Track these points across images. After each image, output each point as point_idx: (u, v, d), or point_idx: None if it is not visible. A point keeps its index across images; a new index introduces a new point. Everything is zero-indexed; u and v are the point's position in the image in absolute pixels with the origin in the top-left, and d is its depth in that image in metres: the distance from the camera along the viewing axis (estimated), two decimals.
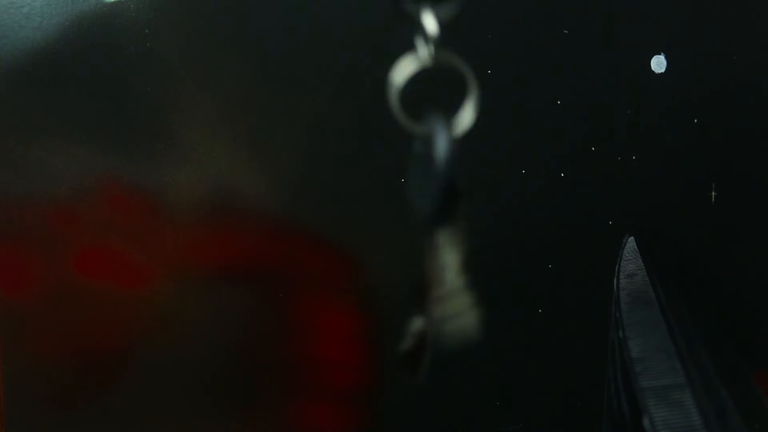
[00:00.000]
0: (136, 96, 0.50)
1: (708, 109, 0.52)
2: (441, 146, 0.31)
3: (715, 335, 0.44)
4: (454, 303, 0.34)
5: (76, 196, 0.50)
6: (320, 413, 0.54)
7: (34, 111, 0.50)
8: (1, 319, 0.51)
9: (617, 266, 0.51)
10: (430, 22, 0.32)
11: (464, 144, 0.53)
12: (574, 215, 0.52)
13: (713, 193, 0.52)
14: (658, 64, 0.51)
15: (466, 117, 0.33)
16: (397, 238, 0.48)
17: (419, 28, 0.32)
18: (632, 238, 0.52)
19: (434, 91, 0.33)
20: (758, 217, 0.53)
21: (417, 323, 0.34)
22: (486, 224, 0.53)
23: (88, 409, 0.52)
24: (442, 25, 0.32)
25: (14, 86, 0.49)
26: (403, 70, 0.33)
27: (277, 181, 0.52)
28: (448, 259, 0.34)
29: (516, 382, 0.54)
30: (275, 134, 0.51)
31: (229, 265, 0.52)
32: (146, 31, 0.50)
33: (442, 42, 0.32)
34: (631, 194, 0.52)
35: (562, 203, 0.52)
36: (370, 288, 0.53)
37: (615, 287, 0.50)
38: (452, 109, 0.33)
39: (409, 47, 0.34)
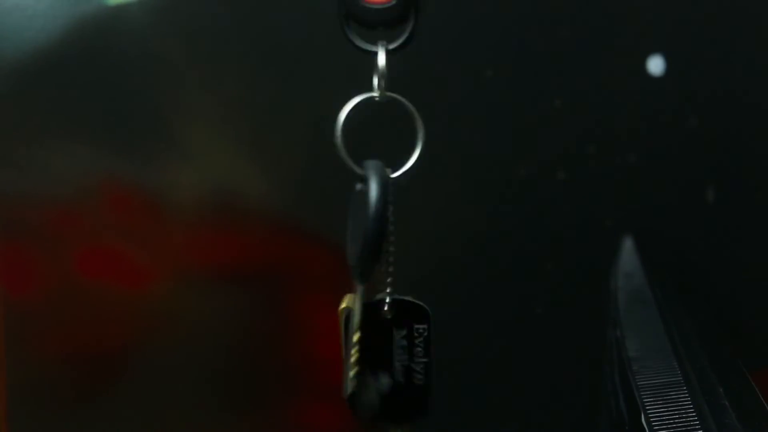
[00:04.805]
0: (139, 98, 0.51)
1: (708, 109, 0.52)
2: (373, 191, 0.31)
3: (712, 334, 0.44)
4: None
5: (79, 196, 0.51)
6: (320, 413, 0.54)
7: (38, 112, 0.50)
8: (6, 318, 0.51)
9: (615, 266, 0.51)
10: (380, 57, 0.33)
11: (464, 144, 0.53)
12: (572, 215, 0.53)
13: (712, 194, 0.52)
14: (656, 65, 0.51)
15: (411, 160, 0.34)
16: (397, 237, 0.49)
17: (372, 61, 0.33)
18: (630, 238, 0.52)
19: (386, 131, 0.34)
20: (757, 217, 0.53)
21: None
22: (484, 224, 0.53)
23: (92, 407, 0.53)
24: (393, 60, 0.33)
25: (17, 88, 0.50)
26: (349, 104, 0.33)
27: (279, 181, 0.52)
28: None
29: (514, 381, 0.54)
30: (277, 135, 0.52)
31: (231, 265, 0.53)
32: (149, 33, 0.50)
33: (392, 76, 0.33)
34: (629, 194, 0.53)
35: (560, 203, 0.52)
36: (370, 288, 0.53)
37: (612, 287, 0.50)
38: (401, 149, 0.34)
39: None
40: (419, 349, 0.35)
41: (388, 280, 0.35)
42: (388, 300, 0.34)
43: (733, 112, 0.52)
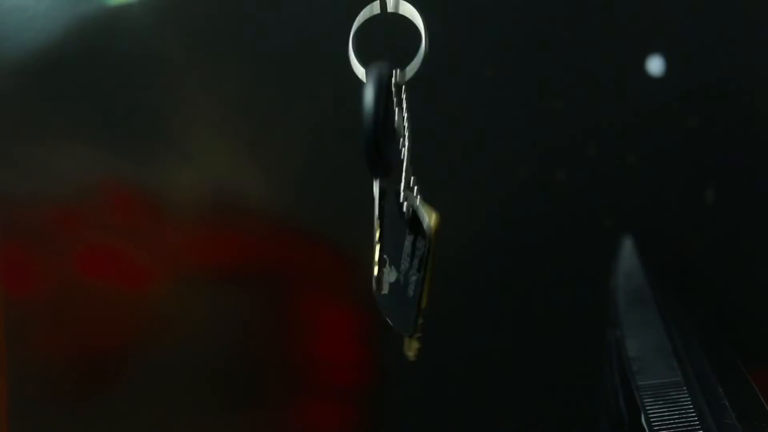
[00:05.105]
0: (139, 98, 0.51)
1: (708, 109, 0.52)
2: (368, 91, 0.31)
3: (712, 334, 0.44)
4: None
5: (79, 196, 0.51)
6: (321, 413, 0.54)
7: (38, 112, 0.50)
8: (7, 318, 0.51)
9: (615, 266, 0.51)
10: None
11: (464, 144, 0.53)
12: (572, 215, 0.53)
13: (712, 194, 0.52)
14: (656, 65, 0.51)
15: (413, 65, 0.34)
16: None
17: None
18: (630, 238, 0.52)
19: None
20: (757, 217, 0.53)
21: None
22: (483, 224, 0.53)
23: (92, 407, 0.53)
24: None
25: (18, 88, 0.50)
26: (360, 17, 0.33)
27: (279, 181, 0.52)
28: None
29: (514, 381, 0.54)
30: (277, 135, 0.52)
31: (231, 265, 0.53)
32: (149, 33, 0.50)
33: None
34: (629, 194, 0.53)
35: (560, 203, 0.52)
36: (370, 287, 0.53)
37: (612, 287, 0.50)
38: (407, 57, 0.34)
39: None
40: (416, 261, 0.34)
41: (405, 180, 0.34)
42: (404, 204, 0.34)
43: (733, 112, 0.52)
